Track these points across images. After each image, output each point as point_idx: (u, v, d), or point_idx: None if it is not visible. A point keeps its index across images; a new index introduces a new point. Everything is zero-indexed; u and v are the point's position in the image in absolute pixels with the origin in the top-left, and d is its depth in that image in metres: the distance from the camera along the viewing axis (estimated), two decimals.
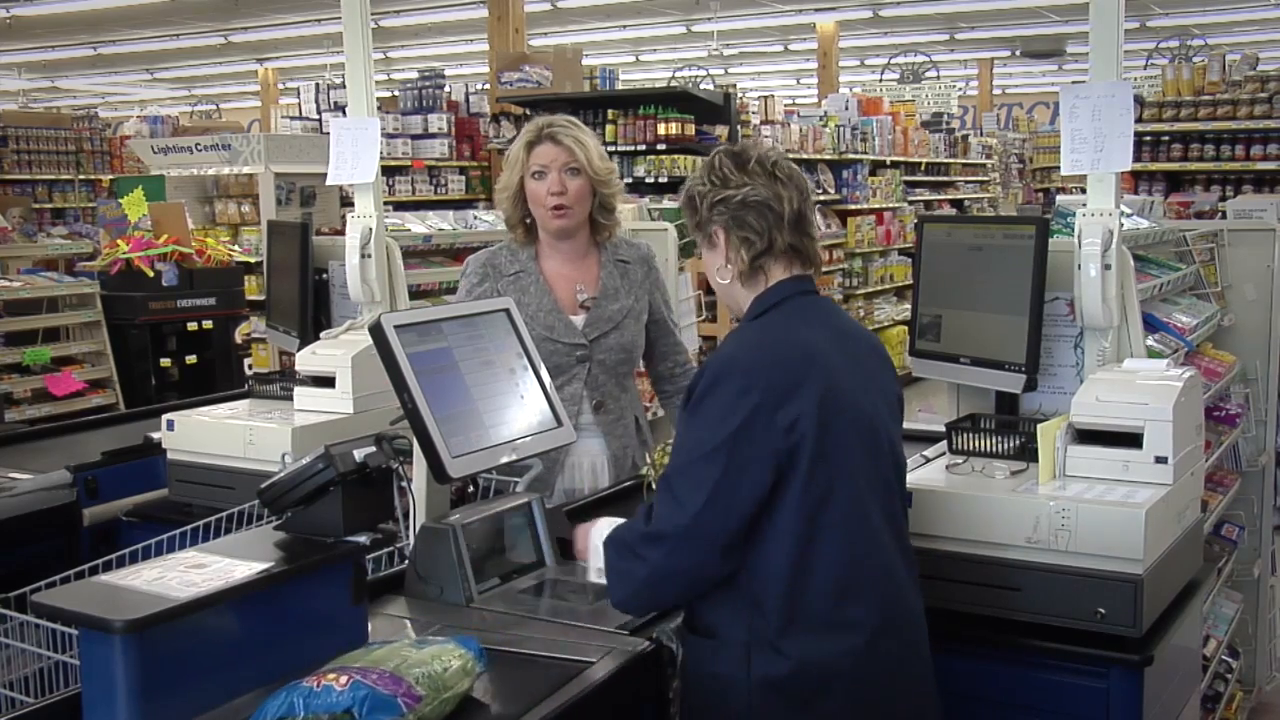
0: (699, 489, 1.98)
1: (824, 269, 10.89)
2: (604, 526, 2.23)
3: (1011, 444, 2.72)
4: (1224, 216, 5.56)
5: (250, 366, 6.83)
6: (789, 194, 2.15)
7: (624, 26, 17.98)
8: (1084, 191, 2.86)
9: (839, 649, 2.01)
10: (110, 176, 12.39)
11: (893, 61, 17.91)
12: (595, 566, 2.23)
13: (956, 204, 14.25)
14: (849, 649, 2.02)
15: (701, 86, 13.62)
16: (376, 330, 2.23)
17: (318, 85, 9.82)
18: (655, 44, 20.14)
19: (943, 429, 2.86)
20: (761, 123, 10.57)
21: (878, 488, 2.10)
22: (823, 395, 2.02)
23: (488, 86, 11.28)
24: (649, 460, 2.73)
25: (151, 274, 5.83)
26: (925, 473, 2.66)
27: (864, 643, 2.02)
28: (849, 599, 2.03)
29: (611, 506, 2.78)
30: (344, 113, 5.06)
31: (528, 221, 3.15)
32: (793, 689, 2.00)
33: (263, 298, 5.14)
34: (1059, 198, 4.36)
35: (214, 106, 22.59)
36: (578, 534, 2.36)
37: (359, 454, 2.05)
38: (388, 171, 8.57)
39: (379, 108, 4.14)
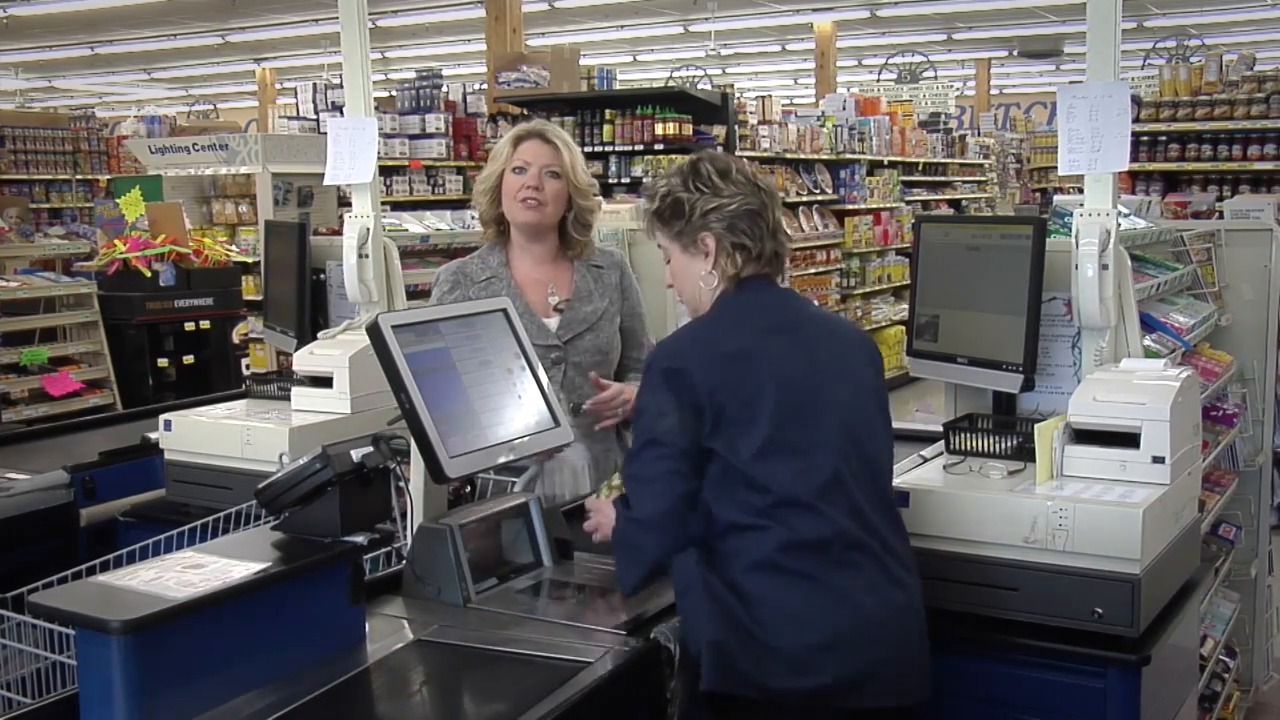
0: (654, 478, 2.14)
1: (822, 269, 10.91)
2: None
3: (1009, 444, 2.72)
4: (1221, 216, 5.56)
5: (248, 366, 6.83)
6: (772, 204, 2.28)
7: (621, 26, 17.98)
8: (1081, 191, 2.86)
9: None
10: (107, 176, 12.38)
11: (890, 61, 17.92)
12: None
13: (954, 204, 14.26)
14: (799, 591, 2.08)
15: (699, 86, 13.64)
16: (374, 330, 2.23)
17: (315, 85, 9.79)
18: (653, 44, 20.14)
19: (940, 429, 2.86)
20: (759, 123, 10.57)
21: (817, 462, 2.15)
22: (770, 373, 2.14)
23: (485, 86, 11.27)
24: (607, 482, 2.70)
25: (149, 274, 5.83)
26: (922, 473, 2.66)
27: (813, 591, 2.08)
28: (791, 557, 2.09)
29: None
30: (341, 113, 5.07)
31: (500, 226, 3.15)
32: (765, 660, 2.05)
33: (260, 298, 5.14)
34: (1056, 198, 4.36)
35: (211, 106, 22.59)
36: (599, 511, 2.40)
37: (356, 454, 2.06)
38: (385, 171, 8.55)
39: (376, 108, 4.14)
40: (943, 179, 14.30)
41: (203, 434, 3.18)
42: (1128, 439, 2.46)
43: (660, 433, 2.15)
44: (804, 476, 2.11)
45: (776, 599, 2.07)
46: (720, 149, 9.26)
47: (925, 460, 2.77)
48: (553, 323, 3.08)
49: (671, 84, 14.76)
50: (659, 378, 2.17)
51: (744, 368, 2.15)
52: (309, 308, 3.80)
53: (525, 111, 9.96)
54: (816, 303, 10.69)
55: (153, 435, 3.34)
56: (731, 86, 14.32)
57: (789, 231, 11.43)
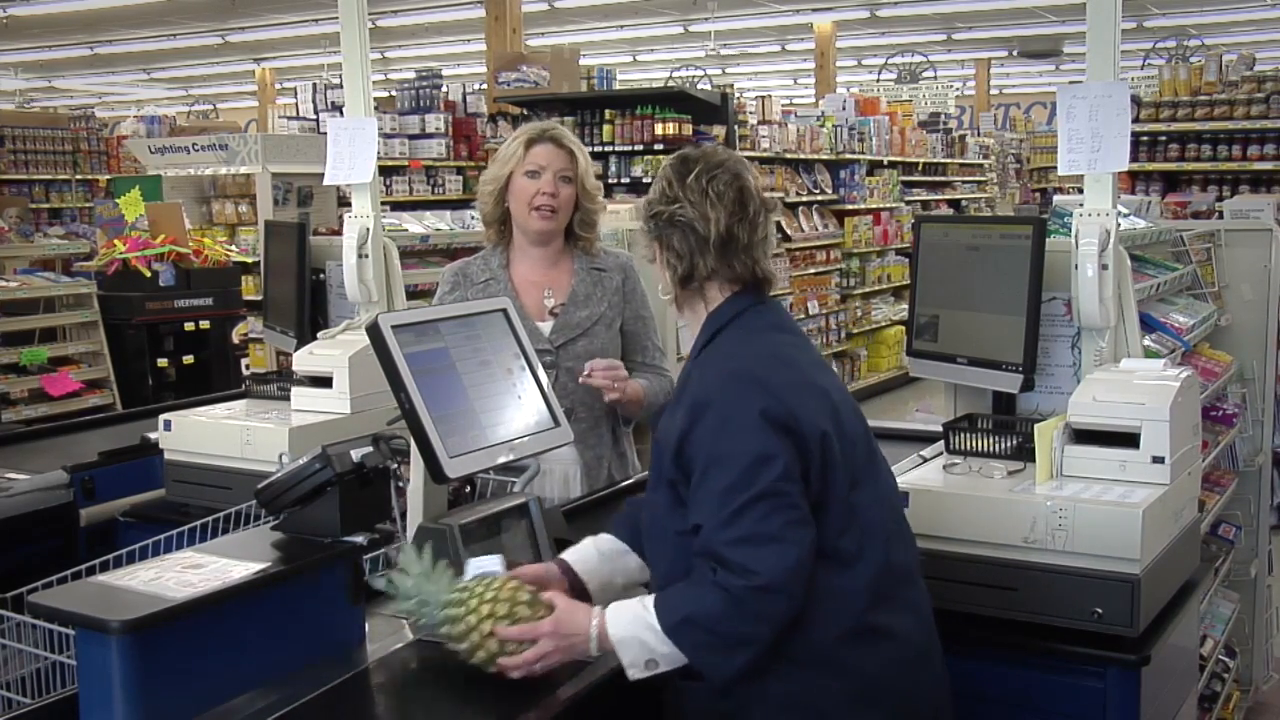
0: (774, 535, 1.84)
1: (821, 269, 10.90)
2: (622, 615, 1.92)
3: (1009, 444, 2.72)
4: (1221, 216, 5.57)
5: (247, 366, 6.83)
6: (716, 215, 2.01)
7: (621, 26, 17.98)
8: (1081, 191, 2.87)
9: (871, 658, 1.96)
10: (107, 176, 12.38)
11: (890, 61, 17.91)
12: (640, 659, 1.89)
13: (954, 204, 14.26)
14: (883, 658, 1.97)
15: (699, 86, 13.64)
16: (374, 330, 2.23)
17: (315, 85, 9.78)
18: (653, 44, 20.14)
19: (940, 429, 2.86)
20: (759, 123, 10.58)
21: (883, 484, 2.10)
22: (827, 407, 1.98)
23: (485, 87, 11.27)
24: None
25: (148, 274, 5.83)
26: (922, 473, 2.66)
27: (895, 649, 1.98)
28: (881, 604, 1.97)
29: (586, 516, 2.76)
30: (341, 113, 5.06)
31: (503, 227, 3.15)
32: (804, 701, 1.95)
33: (260, 298, 5.14)
34: (1056, 198, 4.37)
35: (211, 106, 22.58)
36: (564, 620, 1.94)
37: (356, 454, 2.06)
38: (385, 171, 8.55)
39: (376, 108, 4.14)
40: (942, 179, 14.30)
41: (202, 434, 3.18)
42: (1127, 439, 2.46)
43: (768, 484, 1.85)
44: (881, 506, 2.03)
45: (861, 680, 1.94)
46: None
47: (925, 460, 2.77)
48: (546, 327, 3.07)
49: (671, 84, 14.76)
50: (755, 419, 1.88)
51: (820, 396, 1.97)
52: (309, 308, 3.80)
53: (525, 112, 9.96)
54: (816, 303, 10.70)
55: (152, 435, 3.34)
56: (731, 86, 14.31)
57: (788, 232, 11.23)
